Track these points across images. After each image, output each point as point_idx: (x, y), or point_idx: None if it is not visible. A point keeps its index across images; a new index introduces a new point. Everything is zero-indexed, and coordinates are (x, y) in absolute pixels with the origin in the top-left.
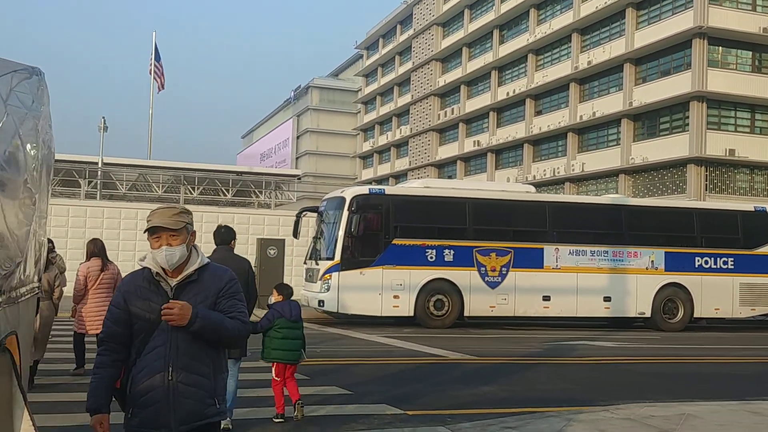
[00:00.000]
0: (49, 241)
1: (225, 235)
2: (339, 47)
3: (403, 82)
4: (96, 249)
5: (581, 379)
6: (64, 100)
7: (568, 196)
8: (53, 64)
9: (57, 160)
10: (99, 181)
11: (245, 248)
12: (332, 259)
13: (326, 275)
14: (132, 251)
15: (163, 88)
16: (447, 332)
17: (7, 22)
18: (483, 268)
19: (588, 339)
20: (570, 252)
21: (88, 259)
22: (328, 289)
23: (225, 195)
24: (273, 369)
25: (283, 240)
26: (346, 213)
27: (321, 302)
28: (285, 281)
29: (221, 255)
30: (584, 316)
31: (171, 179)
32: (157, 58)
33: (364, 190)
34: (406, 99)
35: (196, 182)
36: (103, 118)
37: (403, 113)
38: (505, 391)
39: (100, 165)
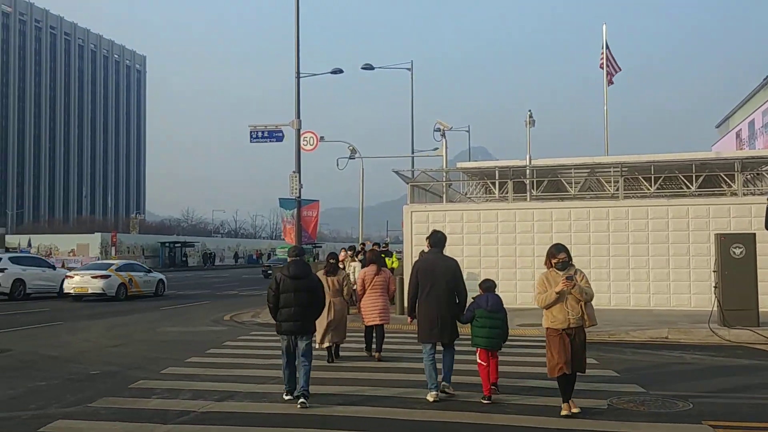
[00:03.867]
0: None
1: (437, 241)
2: None
3: None
4: (373, 257)
5: None
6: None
7: None
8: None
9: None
10: (528, 181)
11: (705, 247)
12: None
13: None
14: None
15: (612, 82)
16: None
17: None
18: None
19: None
20: None
21: (367, 265)
22: None
23: (689, 187)
24: (477, 354)
25: (753, 235)
26: None
27: None
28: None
29: (431, 257)
30: None
31: (625, 175)
32: (607, 48)
33: None
34: None
35: (653, 172)
36: (530, 111)
37: None
38: None
39: (528, 163)
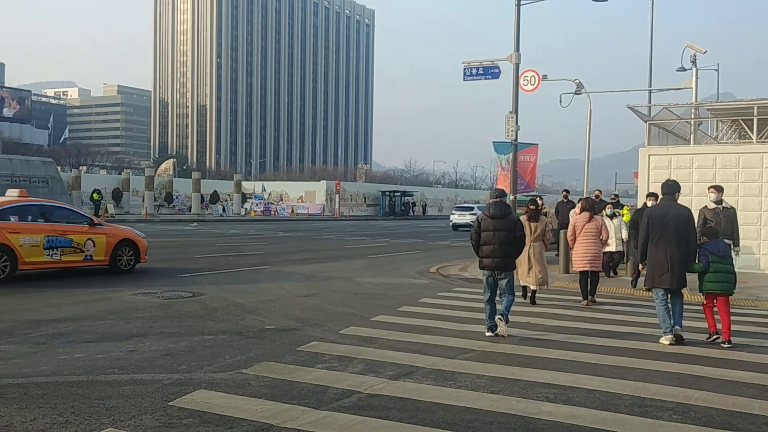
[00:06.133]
0: (539, 197)
1: (669, 188)
2: None
3: None
4: (586, 205)
5: None
6: None
7: None
8: None
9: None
10: (755, 119)
11: None
12: None
13: None
14: None
15: None
16: None
17: None
18: None
19: None
20: None
21: (580, 212)
22: None
23: None
24: (704, 298)
25: None
26: None
27: None
28: None
29: (663, 204)
30: None
31: None
32: None
33: None
34: None
35: None
36: None
37: None
38: None
39: None
